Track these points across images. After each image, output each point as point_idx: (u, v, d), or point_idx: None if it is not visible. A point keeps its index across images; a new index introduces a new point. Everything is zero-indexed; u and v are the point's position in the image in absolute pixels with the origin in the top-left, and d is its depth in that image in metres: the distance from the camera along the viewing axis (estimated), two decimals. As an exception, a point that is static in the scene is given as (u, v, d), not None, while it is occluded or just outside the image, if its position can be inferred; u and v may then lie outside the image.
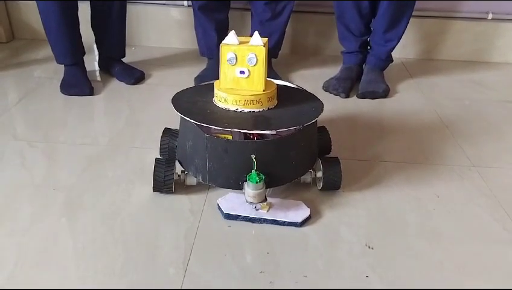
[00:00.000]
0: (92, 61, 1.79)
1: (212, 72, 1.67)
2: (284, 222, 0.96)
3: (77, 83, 1.57)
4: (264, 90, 0.98)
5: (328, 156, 1.17)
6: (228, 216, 0.96)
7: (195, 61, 1.87)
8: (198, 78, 1.69)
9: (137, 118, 1.43)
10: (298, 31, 2.05)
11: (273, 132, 0.94)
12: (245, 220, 0.96)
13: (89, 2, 1.62)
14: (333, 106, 1.55)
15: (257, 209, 0.97)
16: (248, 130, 0.92)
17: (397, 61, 1.86)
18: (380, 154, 1.27)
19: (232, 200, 1.00)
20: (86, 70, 1.64)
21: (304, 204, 1.00)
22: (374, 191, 1.10)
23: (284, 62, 1.91)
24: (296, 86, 1.18)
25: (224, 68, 0.99)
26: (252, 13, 1.74)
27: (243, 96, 0.97)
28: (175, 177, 1.02)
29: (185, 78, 1.73)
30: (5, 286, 0.80)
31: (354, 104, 1.59)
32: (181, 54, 2.02)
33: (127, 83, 1.67)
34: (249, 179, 0.92)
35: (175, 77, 1.78)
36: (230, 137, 0.98)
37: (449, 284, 0.84)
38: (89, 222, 0.96)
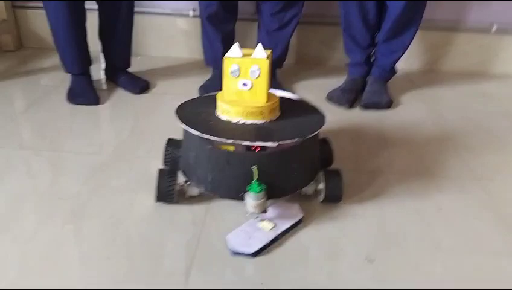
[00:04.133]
0: (99, 70, 1.81)
1: (216, 82, 1.68)
2: (290, 227, 0.98)
3: (83, 92, 1.59)
4: (266, 103, 0.99)
5: (330, 168, 1.17)
6: (256, 254, 0.92)
7: (200, 71, 1.88)
8: (203, 88, 1.71)
9: (141, 127, 1.44)
10: (303, 42, 2.07)
11: (275, 144, 0.94)
12: (269, 246, 0.94)
13: (97, 12, 1.64)
14: (336, 117, 1.56)
15: (259, 220, 0.97)
16: (250, 141, 0.93)
17: (401, 72, 1.87)
18: (382, 166, 1.27)
19: (239, 240, 0.95)
20: (92, 80, 1.66)
21: (295, 206, 1.03)
22: (375, 203, 1.10)
23: (288, 72, 1.92)
24: (298, 98, 1.19)
25: (228, 80, 1.00)
26: (258, 23, 1.76)
27: (246, 109, 0.98)
28: (177, 187, 1.03)
29: (189, 87, 1.74)
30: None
31: (358, 115, 1.59)
32: (186, 64, 2.04)
33: (132, 93, 1.69)
34: (249, 189, 0.93)
35: (180, 86, 1.80)
36: (232, 148, 0.99)
37: (449, 298, 0.84)
38: (93, 230, 0.97)
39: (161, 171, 1.04)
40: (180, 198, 1.05)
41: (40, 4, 1.50)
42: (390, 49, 1.66)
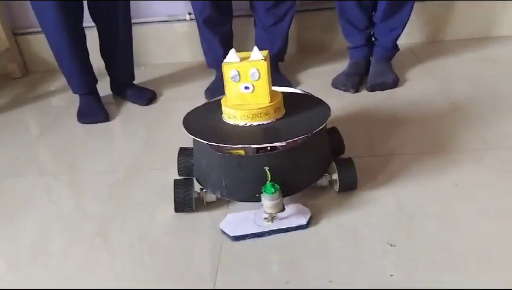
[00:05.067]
0: (106, 86, 1.84)
1: (221, 83, 1.69)
2: (291, 227, 0.98)
3: (92, 111, 1.63)
4: (270, 102, 1.00)
5: (341, 157, 1.18)
6: (237, 238, 0.98)
7: (204, 73, 1.90)
8: (209, 91, 1.72)
9: (154, 139, 1.47)
10: (302, 30, 2.06)
11: (283, 144, 0.96)
12: (254, 237, 0.98)
13: (96, 31, 1.67)
14: (343, 103, 1.56)
15: (274, 219, 0.98)
16: (258, 144, 0.94)
17: (404, 48, 1.85)
18: (395, 147, 1.27)
19: (233, 222, 1.01)
20: (100, 98, 1.69)
21: (300, 205, 1.03)
22: (391, 186, 1.11)
23: (291, 62, 1.92)
24: (301, 92, 1.19)
25: (229, 85, 1.01)
26: (254, 20, 1.76)
27: (250, 111, 0.99)
28: (194, 195, 1.05)
29: (196, 91, 1.76)
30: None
31: (365, 98, 1.59)
32: (189, 68, 2.05)
33: (140, 105, 1.72)
34: (264, 191, 0.94)
35: (186, 91, 1.82)
36: (242, 152, 1.00)
37: (475, 275, 0.84)
38: (119, 248, 1.00)
39: (176, 181, 1.06)
40: (198, 205, 1.07)
41: (40, 29, 1.53)
42: (389, 28, 1.65)
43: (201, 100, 1.68)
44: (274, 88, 1.08)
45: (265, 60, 0.98)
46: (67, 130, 1.59)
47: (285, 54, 1.80)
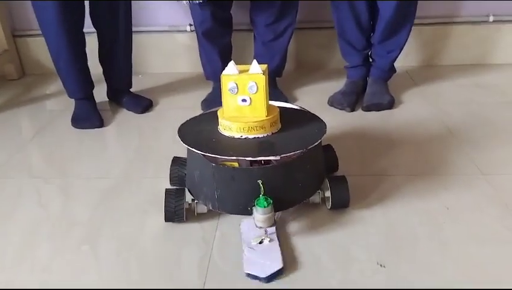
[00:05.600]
0: (102, 92, 1.83)
1: (218, 95, 1.69)
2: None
3: (87, 117, 1.62)
4: (266, 116, 1.01)
5: (335, 174, 1.18)
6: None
7: (201, 84, 1.90)
8: (205, 102, 1.73)
9: (147, 147, 1.46)
10: (301, 47, 2.08)
11: (277, 158, 0.96)
12: None
13: (95, 35, 1.67)
14: (339, 121, 1.57)
15: (266, 233, 0.99)
16: (252, 157, 0.94)
17: (400, 70, 1.87)
18: (388, 168, 1.28)
19: (255, 261, 0.93)
20: (95, 103, 1.69)
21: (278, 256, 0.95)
22: (382, 206, 1.11)
23: (288, 79, 1.93)
24: (298, 108, 1.20)
25: (227, 97, 1.01)
26: (254, 35, 1.77)
27: (247, 124, 0.99)
28: (185, 206, 1.05)
29: (192, 102, 1.76)
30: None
31: (360, 118, 1.60)
32: (187, 79, 2.06)
33: (135, 112, 1.71)
34: (257, 204, 0.94)
35: (182, 101, 1.82)
36: (236, 164, 1.00)
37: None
38: (107, 255, 0.99)
39: (168, 191, 1.06)
40: (189, 216, 1.07)
41: (40, 32, 1.53)
42: (386, 50, 1.67)
43: (198, 111, 1.69)
44: (271, 102, 1.09)
45: (264, 74, 0.98)
46: (60, 134, 1.58)
47: (283, 69, 1.82)
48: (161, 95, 1.88)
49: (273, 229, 1.00)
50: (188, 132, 1.07)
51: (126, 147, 1.48)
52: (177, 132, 1.06)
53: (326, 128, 1.06)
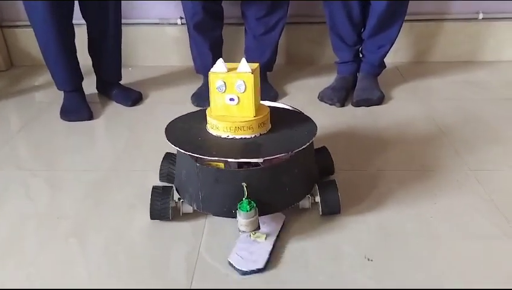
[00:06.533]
0: (91, 85, 1.81)
1: (208, 89, 1.70)
2: (278, 234, 0.98)
3: (76, 109, 1.60)
4: (255, 116, 0.98)
5: (326, 179, 1.12)
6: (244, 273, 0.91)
7: (192, 78, 1.89)
8: (195, 96, 1.72)
9: (136, 141, 1.45)
10: (292, 42, 2.08)
11: (260, 160, 0.92)
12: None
13: (85, 27, 1.65)
14: (329, 116, 1.57)
15: (249, 235, 0.96)
16: (235, 158, 0.91)
17: (390, 66, 1.88)
18: (378, 165, 1.28)
19: (242, 257, 0.94)
20: (85, 96, 1.67)
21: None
22: (372, 204, 1.11)
23: (279, 73, 1.93)
24: (290, 108, 1.18)
25: (214, 95, 0.98)
26: (245, 28, 1.77)
27: (234, 123, 0.96)
28: (172, 205, 1.03)
29: (182, 96, 1.75)
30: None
31: (350, 113, 1.61)
32: (177, 72, 2.04)
33: (124, 105, 1.70)
34: (239, 208, 0.92)
35: (172, 95, 1.81)
36: (222, 165, 0.98)
37: (448, 292, 0.85)
38: (94, 248, 0.98)
39: (154, 189, 1.04)
40: (176, 215, 1.05)
41: (29, 23, 1.50)
42: (376, 45, 1.68)
43: (188, 104, 1.69)
44: (262, 102, 1.07)
45: (253, 72, 0.96)
46: (49, 126, 1.57)
47: (274, 63, 1.81)
48: (151, 88, 1.86)
49: (278, 228, 1.00)
50: (177, 129, 1.05)
51: (115, 140, 1.46)
52: (164, 129, 1.04)
53: (316, 130, 1.03)
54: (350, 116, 1.58)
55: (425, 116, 1.56)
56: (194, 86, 1.79)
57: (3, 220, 1.09)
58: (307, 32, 2.06)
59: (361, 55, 1.76)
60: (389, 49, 1.71)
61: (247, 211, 0.91)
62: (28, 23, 1.52)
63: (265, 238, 0.97)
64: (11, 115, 1.71)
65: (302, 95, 1.77)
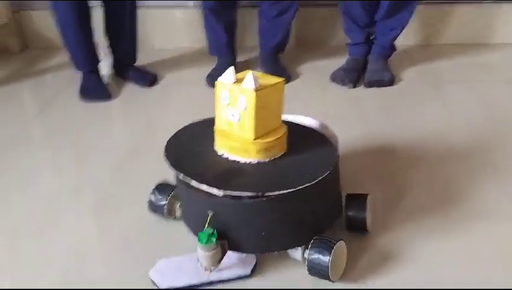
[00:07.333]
0: (106, 67, 1.85)
1: (222, 70, 1.72)
2: (233, 277, 0.88)
3: (95, 89, 1.65)
4: (254, 139, 0.84)
5: (325, 237, 0.86)
6: None
7: (205, 59, 1.90)
8: (210, 77, 1.75)
9: (154, 121, 1.50)
10: (303, 24, 2.09)
11: (220, 194, 0.80)
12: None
13: (100, 9, 1.68)
14: (341, 97, 1.61)
15: (209, 272, 0.85)
16: (199, 181, 0.81)
17: (400, 48, 1.90)
18: (389, 156, 1.31)
19: (167, 268, 0.88)
20: (101, 77, 1.71)
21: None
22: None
23: (290, 55, 1.95)
24: (316, 126, 1.01)
25: (219, 107, 0.87)
26: (259, 11, 1.79)
27: (228, 142, 0.86)
28: (168, 206, 0.99)
29: (197, 77, 1.78)
30: (61, 280, 0.89)
31: (361, 94, 1.64)
32: (190, 54, 2.06)
33: (142, 86, 1.74)
34: (198, 238, 0.81)
35: (187, 76, 1.84)
36: None
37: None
38: (124, 220, 1.04)
39: (157, 186, 1.02)
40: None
41: (44, 5, 1.55)
42: (388, 27, 1.70)
43: (202, 86, 1.71)
44: (287, 117, 0.96)
45: (259, 90, 0.81)
46: (68, 107, 1.61)
47: (286, 45, 1.84)
48: (165, 69, 1.89)
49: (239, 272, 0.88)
50: (187, 132, 0.99)
51: (135, 120, 1.51)
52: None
53: (325, 172, 0.83)
54: (361, 96, 1.62)
55: (435, 98, 1.59)
56: (207, 67, 1.81)
57: (36, 194, 1.15)
58: (317, 14, 2.08)
59: (372, 38, 1.79)
60: (400, 32, 1.73)
61: (204, 243, 0.80)
62: (43, 5, 1.55)
63: (210, 272, 0.85)
64: (29, 96, 1.75)
65: (314, 76, 1.80)
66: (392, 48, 1.78)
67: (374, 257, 0.92)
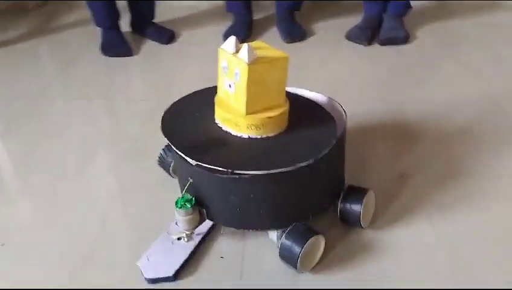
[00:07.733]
0: (124, 25, 1.88)
1: (239, 28, 1.78)
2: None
3: (117, 45, 1.69)
4: (245, 114, 0.81)
5: (297, 224, 0.83)
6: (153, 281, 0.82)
7: (221, 17, 1.94)
8: (227, 35, 1.79)
9: (179, 74, 1.55)
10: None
11: (193, 163, 0.79)
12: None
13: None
14: (357, 55, 1.66)
15: (179, 239, 0.87)
16: (190, 156, 0.79)
17: (414, 7, 1.92)
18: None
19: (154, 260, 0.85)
20: (122, 33, 1.75)
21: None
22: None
23: (305, 13, 1.98)
24: (322, 100, 0.97)
25: (219, 74, 0.85)
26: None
27: (222, 113, 0.84)
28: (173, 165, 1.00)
29: (213, 35, 1.81)
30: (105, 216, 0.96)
31: (376, 51, 1.69)
32: (207, 11, 2.09)
33: (160, 43, 1.78)
34: (175, 202, 0.82)
35: (204, 34, 1.87)
36: None
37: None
38: (150, 167, 1.09)
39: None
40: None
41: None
42: (404, -15, 1.73)
43: (220, 42, 1.75)
44: (291, 90, 0.93)
45: (252, 63, 0.77)
46: (92, 62, 1.66)
47: (301, 3, 1.87)
48: (183, 27, 1.92)
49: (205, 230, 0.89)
50: (194, 101, 0.97)
51: (159, 74, 1.56)
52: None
53: (320, 154, 0.79)
54: (376, 54, 1.66)
55: (449, 56, 1.63)
56: (223, 26, 1.84)
57: (73, 142, 1.22)
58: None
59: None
60: (415, -10, 1.76)
61: (178, 207, 0.82)
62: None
63: (187, 241, 0.87)
64: (53, 52, 1.79)
65: (329, 34, 1.84)
66: (407, 6, 1.81)
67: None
